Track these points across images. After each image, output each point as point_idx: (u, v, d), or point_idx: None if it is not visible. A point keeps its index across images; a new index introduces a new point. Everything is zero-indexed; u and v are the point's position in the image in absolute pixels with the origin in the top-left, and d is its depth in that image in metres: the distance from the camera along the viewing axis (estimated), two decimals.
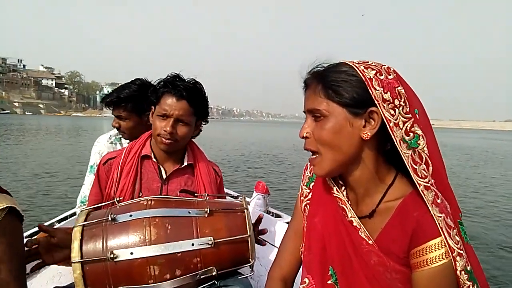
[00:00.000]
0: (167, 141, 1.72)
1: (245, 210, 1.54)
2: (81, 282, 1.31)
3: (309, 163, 1.20)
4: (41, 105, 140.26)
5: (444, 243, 0.96)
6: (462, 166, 18.48)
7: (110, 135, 2.54)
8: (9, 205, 1.16)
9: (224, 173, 2.07)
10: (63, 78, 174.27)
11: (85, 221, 1.41)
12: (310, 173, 1.30)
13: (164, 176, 1.80)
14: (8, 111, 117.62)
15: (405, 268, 1.02)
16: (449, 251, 0.96)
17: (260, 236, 1.79)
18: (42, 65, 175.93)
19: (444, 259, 0.96)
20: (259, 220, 1.79)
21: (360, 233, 1.08)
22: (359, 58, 1.08)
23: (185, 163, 1.84)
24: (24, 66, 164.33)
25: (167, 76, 1.79)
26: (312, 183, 1.27)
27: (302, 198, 1.29)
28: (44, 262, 1.47)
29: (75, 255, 1.32)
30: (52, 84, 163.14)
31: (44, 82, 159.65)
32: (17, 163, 13.91)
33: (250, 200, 3.45)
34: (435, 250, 0.96)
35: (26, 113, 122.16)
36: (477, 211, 9.29)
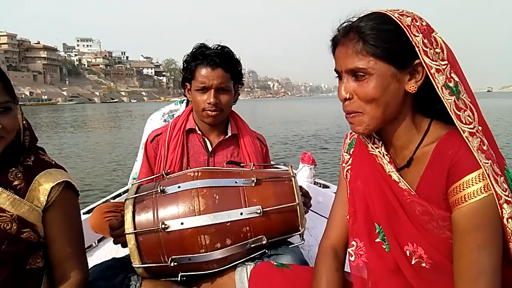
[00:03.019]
0: (213, 113, 1.71)
1: (293, 179, 1.50)
2: (135, 252, 1.38)
3: (349, 124, 1.13)
4: (143, 93, 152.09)
5: (484, 176, 0.91)
6: None
7: (163, 113, 2.59)
8: (66, 179, 1.23)
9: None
10: (160, 66, 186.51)
11: (135, 193, 1.47)
12: (350, 140, 1.27)
13: (210, 149, 1.81)
14: (117, 99, 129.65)
15: (450, 214, 0.97)
16: (490, 186, 0.91)
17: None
18: (142, 55, 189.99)
19: (483, 193, 0.91)
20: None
21: (400, 185, 1.06)
22: None
23: (229, 134, 1.83)
24: (127, 57, 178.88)
25: (193, 49, 1.75)
26: (352, 149, 1.25)
27: (343, 165, 1.27)
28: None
29: (128, 226, 1.39)
30: (151, 72, 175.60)
31: (144, 71, 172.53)
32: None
33: (296, 171, 3.38)
34: (473, 185, 0.92)
35: (132, 100, 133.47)
36: None
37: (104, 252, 2.42)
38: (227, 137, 1.83)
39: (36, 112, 50.06)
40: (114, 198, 3.04)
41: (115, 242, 1.52)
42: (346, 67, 1.01)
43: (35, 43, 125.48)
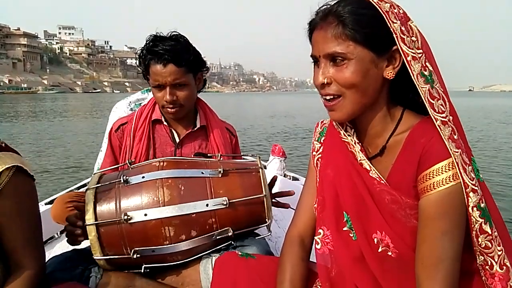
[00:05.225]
0: (172, 109, 1.66)
1: (260, 170, 1.47)
2: (96, 244, 1.34)
3: (327, 110, 1.10)
4: (127, 83, 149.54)
5: (454, 165, 0.92)
6: None
7: (130, 101, 2.50)
8: (16, 164, 1.14)
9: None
10: None
11: (97, 183, 1.43)
12: (321, 128, 1.26)
13: (177, 140, 1.75)
14: (99, 90, 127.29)
15: (418, 202, 0.99)
16: (459, 175, 0.92)
17: (277, 199, 1.68)
18: (126, 45, 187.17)
19: (451, 181, 0.93)
20: (273, 181, 1.68)
21: (371, 174, 1.06)
22: None
23: (198, 126, 1.78)
24: (110, 47, 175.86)
25: (146, 41, 1.66)
26: (323, 137, 1.23)
27: (314, 153, 1.25)
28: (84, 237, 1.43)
29: (89, 217, 1.34)
30: (135, 63, 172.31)
31: (128, 61, 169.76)
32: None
33: (266, 163, 3.37)
34: (442, 173, 0.93)
35: (115, 91, 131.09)
36: None
37: (66, 243, 2.31)
38: (195, 129, 1.77)
39: (16, 101, 48.89)
40: (78, 188, 2.94)
41: (69, 241, 1.46)
42: (324, 52, 0.99)
43: (15, 29, 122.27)
